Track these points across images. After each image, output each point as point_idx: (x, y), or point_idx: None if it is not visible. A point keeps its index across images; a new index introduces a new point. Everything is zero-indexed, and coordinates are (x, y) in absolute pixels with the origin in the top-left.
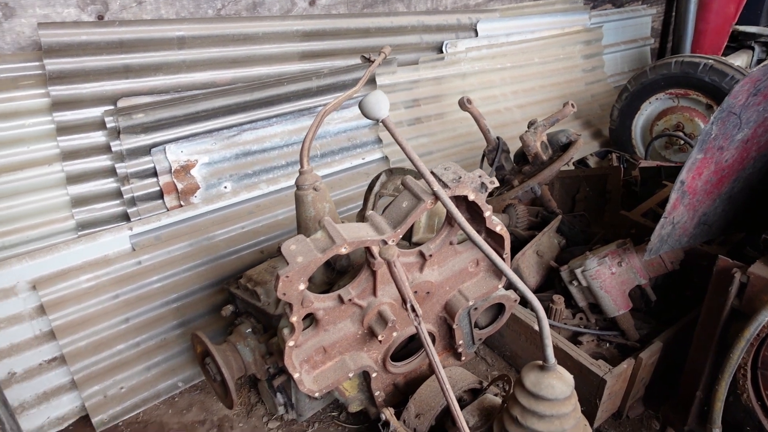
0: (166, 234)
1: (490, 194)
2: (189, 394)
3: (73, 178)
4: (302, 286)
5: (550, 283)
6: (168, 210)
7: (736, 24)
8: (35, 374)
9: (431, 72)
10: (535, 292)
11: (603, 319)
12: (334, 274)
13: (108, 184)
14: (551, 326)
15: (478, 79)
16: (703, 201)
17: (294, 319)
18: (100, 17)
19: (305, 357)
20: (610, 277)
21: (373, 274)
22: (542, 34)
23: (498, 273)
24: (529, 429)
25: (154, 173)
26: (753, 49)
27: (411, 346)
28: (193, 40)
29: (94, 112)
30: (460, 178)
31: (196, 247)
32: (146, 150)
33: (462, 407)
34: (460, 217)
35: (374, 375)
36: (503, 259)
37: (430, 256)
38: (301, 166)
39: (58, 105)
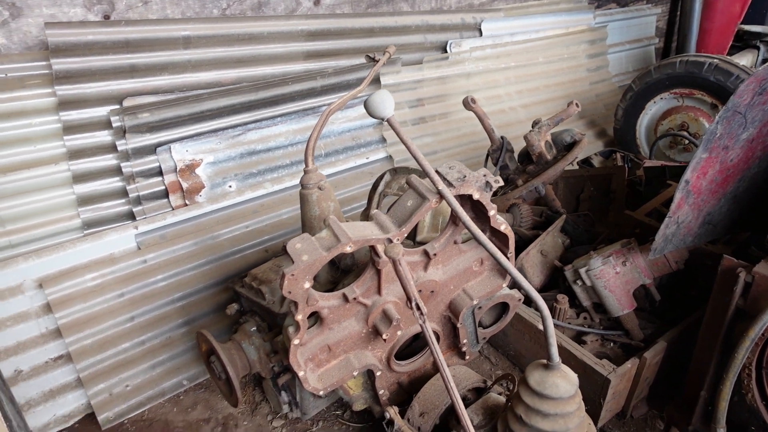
0: (171, 233)
1: (494, 194)
2: (194, 393)
3: (79, 177)
4: (307, 285)
5: (554, 283)
6: (173, 209)
7: (742, 23)
8: (41, 372)
9: (435, 71)
10: (539, 291)
11: (607, 318)
12: (339, 272)
13: (113, 183)
14: (555, 326)
15: (483, 78)
16: (708, 200)
17: (299, 317)
18: (107, 17)
19: (310, 355)
20: (614, 276)
21: (378, 272)
22: (546, 33)
23: (502, 272)
24: (534, 428)
25: (160, 172)
26: (758, 48)
27: (415, 345)
28: (198, 39)
29: (100, 112)
30: (465, 177)
31: (201, 246)
32: (151, 149)
33: (466, 406)
34: (464, 215)
35: (378, 373)
36: (507, 258)
37: (435, 255)
38: (306, 165)
39: (65, 104)
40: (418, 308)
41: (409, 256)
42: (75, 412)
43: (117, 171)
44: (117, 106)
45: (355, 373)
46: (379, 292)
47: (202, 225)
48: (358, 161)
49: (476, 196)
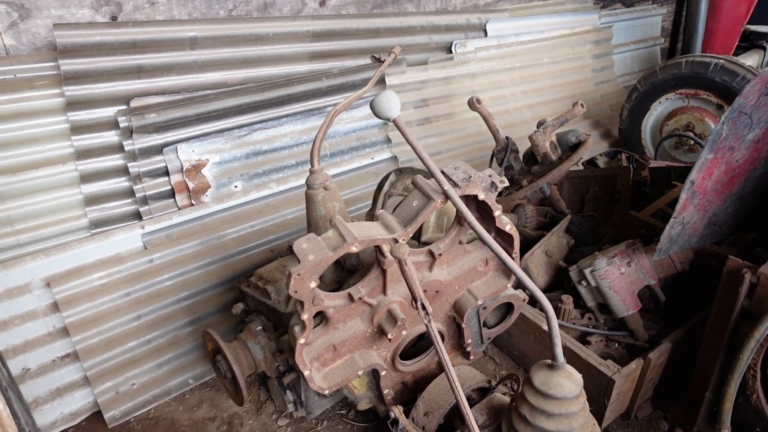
0: (177, 232)
1: (499, 194)
2: (199, 391)
3: (87, 177)
4: (313, 284)
5: (558, 283)
6: (179, 209)
7: (748, 23)
8: (48, 370)
9: (440, 72)
10: (543, 292)
11: (612, 319)
12: (344, 272)
13: (120, 183)
14: (560, 326)
15: (488, 79)
16: (713, 201)
17: (305, 316)
18: (114, 18)
19: (315, 354)
20: (619, 277)
21: (383, 272)
22: (552, 33)
23: (507, 272)
24: (538, 427)
25: (166, 172)
26: (764, 48)
27: (419, 345)
28: (204, 40)
29: (108, 112)
30: (470, 177)
31: (207, 245)
32: (158, 149)
33: (470, 406)
34: (470, 216)
35: (383, 373)
36: (512, 259)
37: (440, 255)
38: (312, 166)
39: (73, 105)
40: (424, 308)
41: (414, 256)
42: (82, 410)
43: (124, 171)
44: (124, 107)
45: (360, 373)
46: (384, 291)
47: (208, 225)
48: (364, 161)
49: (481, 196)
